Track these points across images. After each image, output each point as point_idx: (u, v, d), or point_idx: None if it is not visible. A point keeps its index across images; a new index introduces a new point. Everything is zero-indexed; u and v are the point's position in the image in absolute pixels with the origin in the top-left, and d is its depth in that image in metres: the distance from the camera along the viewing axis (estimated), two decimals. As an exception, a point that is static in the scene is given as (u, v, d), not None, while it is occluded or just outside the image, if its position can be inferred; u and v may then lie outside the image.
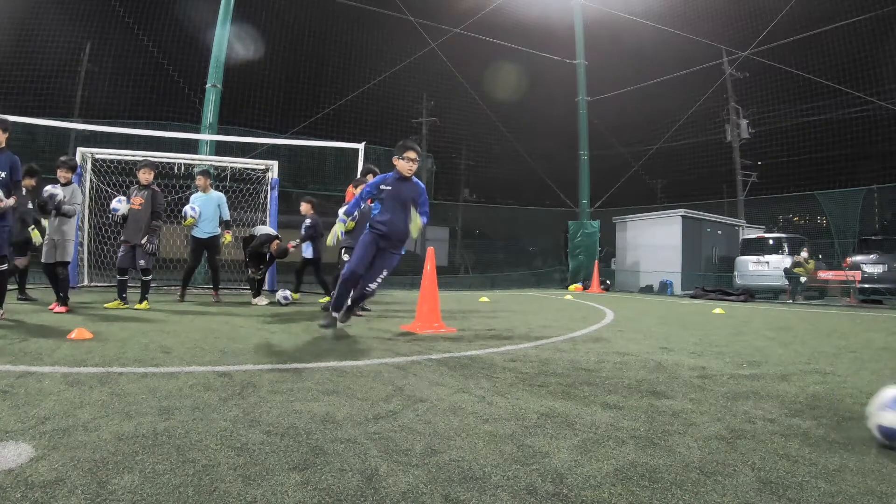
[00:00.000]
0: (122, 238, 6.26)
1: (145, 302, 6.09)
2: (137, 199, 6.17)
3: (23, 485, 1.40)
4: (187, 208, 7.25)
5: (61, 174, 5.74)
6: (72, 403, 2.17)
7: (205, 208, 7.36)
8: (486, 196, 24.16)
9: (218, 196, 7.61)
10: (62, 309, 5.37)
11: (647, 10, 16.82)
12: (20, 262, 6.17)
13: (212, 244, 7.44)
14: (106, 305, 6.06)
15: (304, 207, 7.81)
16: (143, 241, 6.01)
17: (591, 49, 16.95)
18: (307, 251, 7.75)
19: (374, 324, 5.41)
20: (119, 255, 6.24)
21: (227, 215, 7.58)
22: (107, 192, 8.59)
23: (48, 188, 5.49)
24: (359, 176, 6.93)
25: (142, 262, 6.06)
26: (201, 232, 7.40)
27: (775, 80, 16.94)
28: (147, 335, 4.08)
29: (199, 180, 7.64)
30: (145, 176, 6.22)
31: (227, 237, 7.46)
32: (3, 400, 2.18)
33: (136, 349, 3.45)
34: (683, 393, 2.71)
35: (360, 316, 5.92)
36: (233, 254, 10.16)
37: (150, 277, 6.32)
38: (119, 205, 6.26)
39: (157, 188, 6.32)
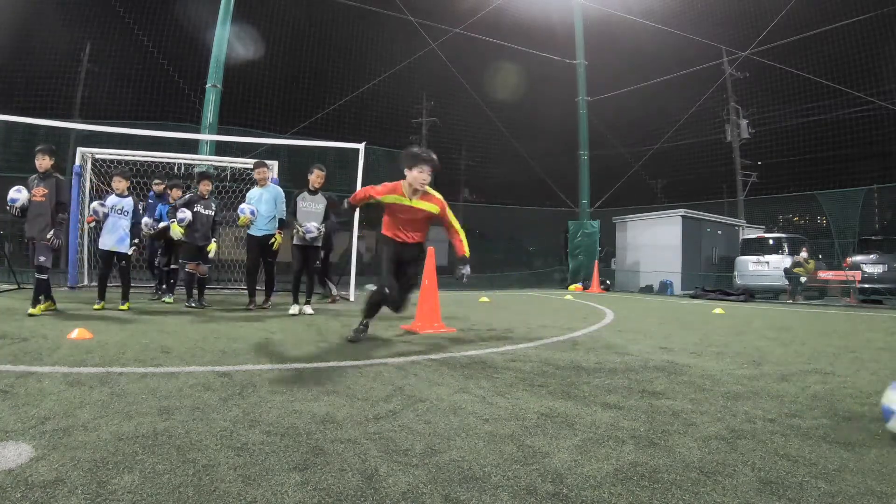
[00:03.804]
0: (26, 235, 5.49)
1: (41, 305, 5.27)
2: (40, 190, 5.32)
3: (23, 485, 1.40)
4: (244, 206, 6.44)
5: (40, 162, 5.34)
6: (72, 403, 2.17)
7: (259, 205, 6.54)
8: (486, 196, 24.14)
9: (275, 190, 6.74)
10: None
11: (647, 11, 16.83)
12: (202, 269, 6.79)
13: (266, 244, 6.58)
14: (30, 312, 5.15)
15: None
16: (49, 236, 5.26)
17: (591, 49, 16.93)
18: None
19: (373, 324, 5.40)
20: (31, 253, 5.54)
21: (283, 213, 6.68)
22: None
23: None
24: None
25: (41, 259, 5.24)
26: (256, 230, 6.55)
27: (775, 80, 16.97)
28: (147, 335, 4.08)
29: (258, 173, 6.72)
30: (42, 163, 5.37)
31: (278, 238, 6.57)
32: (3, 400, 2.18)
33: (136, 349, 3.45)
34: (683, 393, 2.71)
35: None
36: (233, 253, 10.16)
37: (46, 277, 5.36)
38: (18, 194, 5.28)
39: (60, 176, 5.56)
